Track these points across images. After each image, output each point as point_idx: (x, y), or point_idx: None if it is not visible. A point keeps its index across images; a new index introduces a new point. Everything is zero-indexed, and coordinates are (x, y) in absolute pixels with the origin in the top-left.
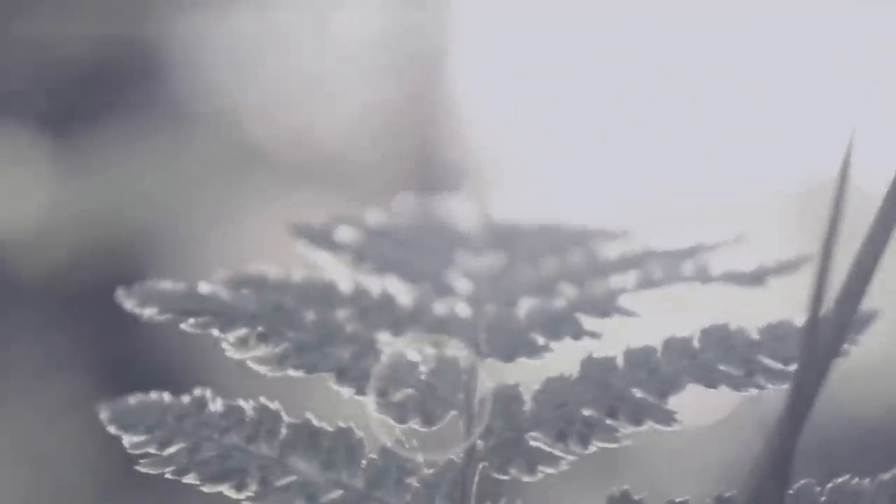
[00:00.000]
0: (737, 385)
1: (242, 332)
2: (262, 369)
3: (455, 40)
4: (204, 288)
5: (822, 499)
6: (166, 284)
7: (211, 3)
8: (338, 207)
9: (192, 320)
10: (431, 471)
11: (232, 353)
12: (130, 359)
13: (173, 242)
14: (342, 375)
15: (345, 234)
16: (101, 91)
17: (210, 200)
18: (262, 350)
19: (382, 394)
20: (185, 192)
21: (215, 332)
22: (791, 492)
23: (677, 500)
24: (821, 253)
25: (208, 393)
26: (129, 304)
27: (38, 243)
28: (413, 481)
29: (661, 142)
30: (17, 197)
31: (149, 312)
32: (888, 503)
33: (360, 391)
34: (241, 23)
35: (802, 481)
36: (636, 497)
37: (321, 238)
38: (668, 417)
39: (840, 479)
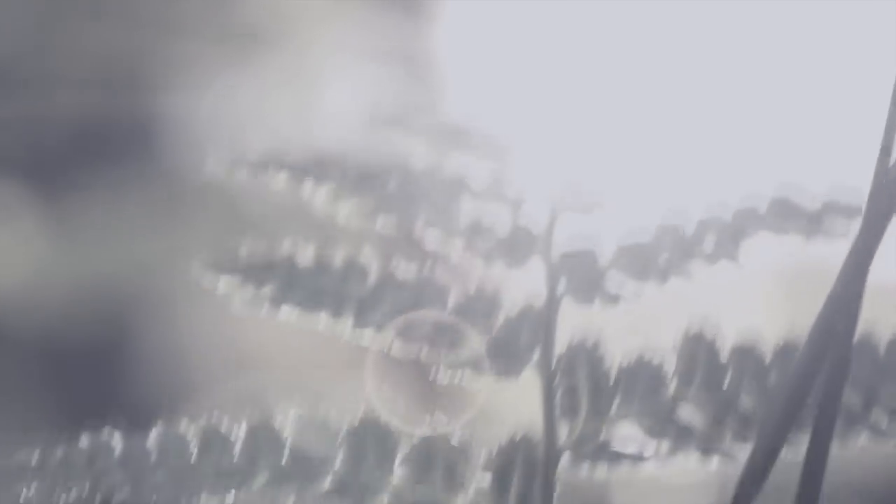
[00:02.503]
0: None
1: (334, 187)
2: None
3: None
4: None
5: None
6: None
7: (210, 71)
8: None
9: (288, 176)
10: (517, 309)
11: (325, 207)
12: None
13: (165, 306)
14: (431, 223)
15: (417, 116)
16: (97, 156)
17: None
18: (352, 203)
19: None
20: (177, 257)
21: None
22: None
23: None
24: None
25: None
26: (218, 172)
27: (29, 306)
28: (500, 318)
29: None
30: (9, 260)
31: (243, 174)
32: None
33: (448, 236)
34: (237, 91)
35: (863, 333)
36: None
37: (395, 119)
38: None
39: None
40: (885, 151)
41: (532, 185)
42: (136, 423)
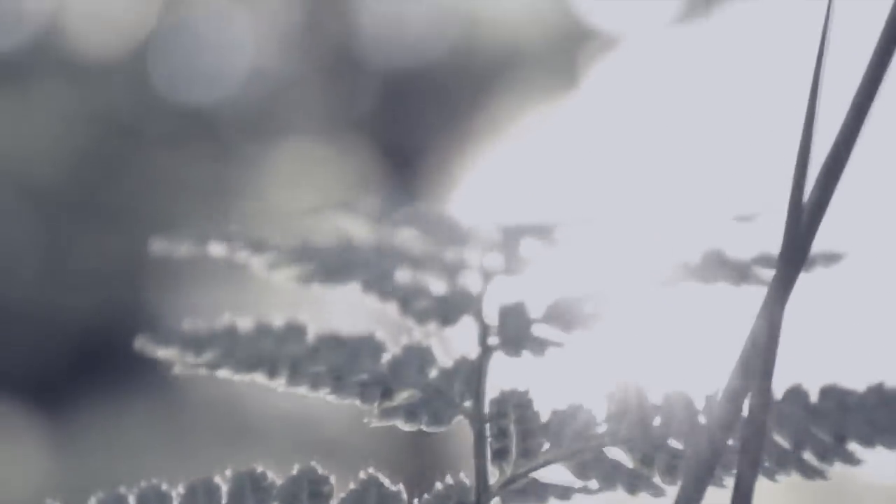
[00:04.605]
0: None
1: (272, 256)
2: (291, 285)
3: None
4: (236, 227)
5: (813, 401)
6: (203, 226)
7: (204, 281)
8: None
9: (226, 247)
10: (450, 362)
11: (263, 274)
12: None
13: None
14: (368, 287)
15: (367, 203)
16: (97, 368)
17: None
18: (290, 271)
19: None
20: (179, 465)
21: (246, 257)
22: (781, 396)
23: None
24: (802, 133)
25: (236, 317)
26: (161, 248)
27: None
28: (433, 370)
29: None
30: (12, 472)
31: (185, 249)
32: (876, 403)
33: (384, 299)
34: (231, 298)
35: (793, 384)
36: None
37: (345, 205)
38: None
39: (829, 383)
40: (795, 204)
41: (466, 254)
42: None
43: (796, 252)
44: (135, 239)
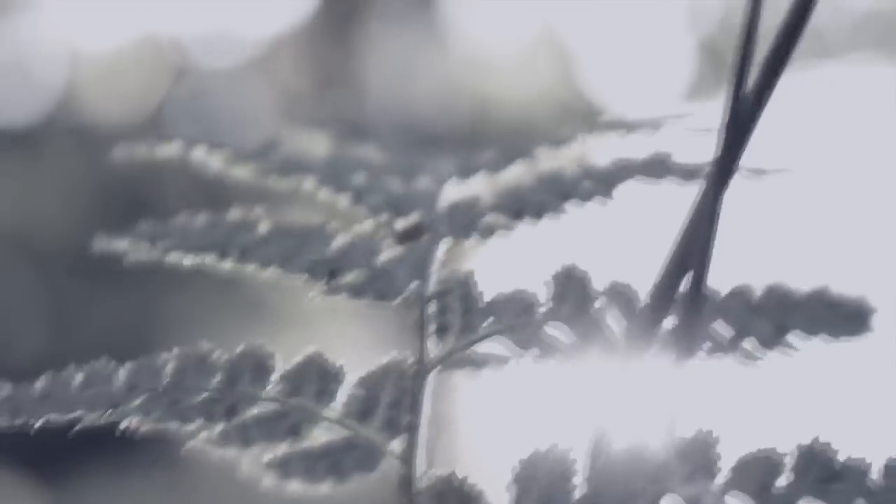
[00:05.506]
0: None
1: (229, 153)
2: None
3: None
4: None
5: (757, 297)
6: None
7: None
8: None
9: (184, 146)
10: (399, 249)
11: (221, 170)
12: None
13: None
14: (323, 181)
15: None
16: (101, 439)
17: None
18: (247, 167)
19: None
20: None
21: (203, 155)
22: (725, 293)
23: None
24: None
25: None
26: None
27: None
28: (381, 255)
29: None
30: None
31: (143, 152)
32: (819, 302)
33: (338, 191)
34: None
35: (738, 282)
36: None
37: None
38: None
39: (773, 283)
40: (736, 89)
41: (421, 162)
42: None
43: (736, 136)
44: (144, 307)
